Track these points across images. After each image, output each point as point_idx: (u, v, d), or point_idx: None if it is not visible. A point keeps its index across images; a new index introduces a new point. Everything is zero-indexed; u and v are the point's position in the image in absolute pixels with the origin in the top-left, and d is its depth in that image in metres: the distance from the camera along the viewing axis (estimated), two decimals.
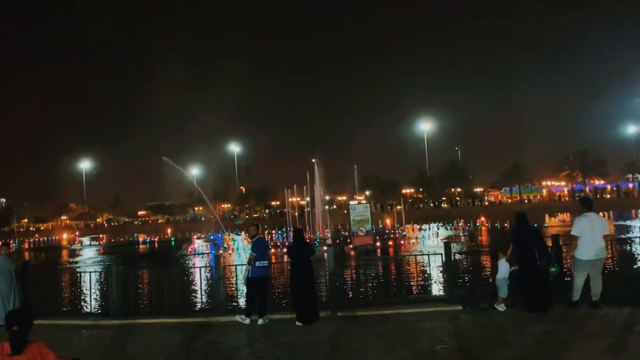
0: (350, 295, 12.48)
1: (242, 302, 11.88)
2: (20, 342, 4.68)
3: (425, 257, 12.81)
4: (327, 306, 10.51)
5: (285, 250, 11.54)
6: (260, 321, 10.04)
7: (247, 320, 10.14)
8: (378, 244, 37.82)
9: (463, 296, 10.46)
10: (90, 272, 12.76)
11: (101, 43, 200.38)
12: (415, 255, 20.31)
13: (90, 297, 13.38)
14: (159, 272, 12.01)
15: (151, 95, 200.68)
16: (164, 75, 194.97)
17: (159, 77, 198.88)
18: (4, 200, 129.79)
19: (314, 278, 10.10)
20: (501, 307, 9.78)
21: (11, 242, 79.80)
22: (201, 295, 14.07)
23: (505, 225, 56.20)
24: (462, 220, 62.38)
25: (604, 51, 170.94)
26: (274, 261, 11.83)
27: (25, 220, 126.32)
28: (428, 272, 14.87)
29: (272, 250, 11.18)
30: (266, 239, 10.97)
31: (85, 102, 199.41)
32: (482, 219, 60.98)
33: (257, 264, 10.30)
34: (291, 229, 60.86)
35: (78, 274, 21.26)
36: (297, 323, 9.73)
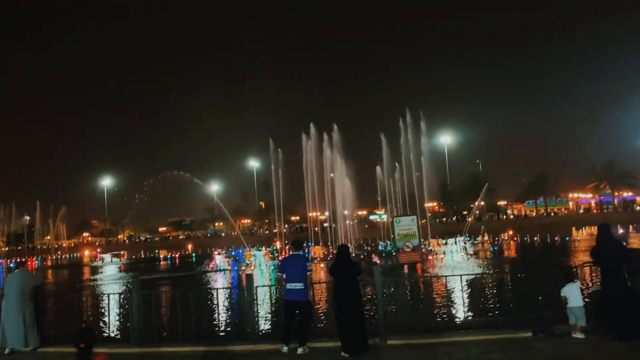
0: (400, 319, 11.11)
1: (278, 327, 10.67)
2: (85, 358, 5.44)
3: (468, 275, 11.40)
4: (376, 333, 9.23)
5: (328, 269, 10.97)
6: (299, 350, 8.86)
7: (285, 349, 9.01)
8: (377, 259, 36.39)
9: (533, 321, 9.07)
10: (108, 294, 11.67)
11: (124, 58, 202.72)
12: (463, 275, 18.63)
13: (109, 321, 12.32)
14: (183, 292, 10.84)
15: (173, 112, 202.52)
16: (187, 93, 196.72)
17: (182, 94, 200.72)
18: (27, 217, 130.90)
19: (361, 302, 8.87)
20: (580, 335, 8.43)
21: (34, 259, 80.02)
22: (231, 319, 12.84)
23: (535, 239, 54.26)
24: (485, 234, 60.55)
25: (628, 60, 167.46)
26: (318, 280, 10.54)
27: (49, 237, 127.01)
28: (477, 293, 13.44)
29: (312, 269, 9.46)
30: (305, 256, 9.77)
31: (105, 119, 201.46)
32: (510, 232, 59.01)
33: (288, 286, 9.18)
34: (310, 244, 59.88)
35: (97, 295, 20.23)
36: (343, 354, 8.53)
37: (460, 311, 10.84)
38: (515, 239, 54.52)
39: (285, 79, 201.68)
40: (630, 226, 70.14)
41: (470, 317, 10.41)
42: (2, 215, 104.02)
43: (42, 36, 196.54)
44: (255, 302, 9.87)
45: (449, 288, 13.99)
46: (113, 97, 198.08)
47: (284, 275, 9.35)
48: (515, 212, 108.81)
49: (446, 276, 12.80)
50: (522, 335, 8.68)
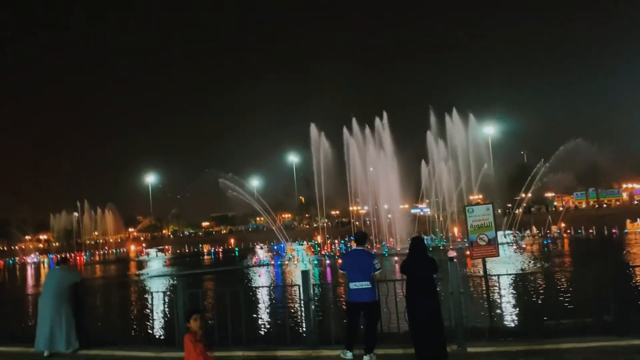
0: (478, 322, 9.75)
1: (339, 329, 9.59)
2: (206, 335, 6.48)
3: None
4: (453, 338, 8.05)
5: (400, 266, 8.71)
6: (366, 358, 7.80)
7: (349, 355, 7.96)
8: (454, 253, 34.87)
9: None
10: (152, 292, 10.86)
11: (171, 52, 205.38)
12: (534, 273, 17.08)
13: (154, 321, 11.54)
14: (231, 290, 9.85)
15: (220, 108, 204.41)
16: (233, 89, 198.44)
17: (229, 90, 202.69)
18: (76, 214, 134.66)
19: (438, 303, 7.72)
20: None
21: (82, 254, 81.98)
22: (284, 319, 11.78)
23: (591, 231, 51.71)
24: (533, 227, 58.23)
25: None
26: (384, 279, 9.37)
27: (96, 232, 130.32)
28: (552, 291, 11.95)
29: (380, 266, 8.54)
30: (370, 252, 8.76)
31: (151, 116, 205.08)
32: (562, 225, 56.40)
33: (352, 285, 8.14)
34: (352, 239, 58.05)
35: (142, 292, 19.68)
36: None
37: (540, 312, 9.46)
38: (568, 231, 51.98)
39: (331, 71, 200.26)
40: None
41: (554, 320, 9.03)
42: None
43: (85, 33, 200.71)
44: (313, 301, 8.77)
45: (519, 285, 12.60)
46: (159, 93, 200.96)
47: (347, 274, 8.29)
48: (564, 204, 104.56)
49: (516, 274, 11.50)
50: (628, 342, 7.35)
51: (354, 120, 52.05)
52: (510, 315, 9.60)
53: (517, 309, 9.44)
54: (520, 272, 20.17)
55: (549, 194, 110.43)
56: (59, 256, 10.21)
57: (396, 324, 8.52)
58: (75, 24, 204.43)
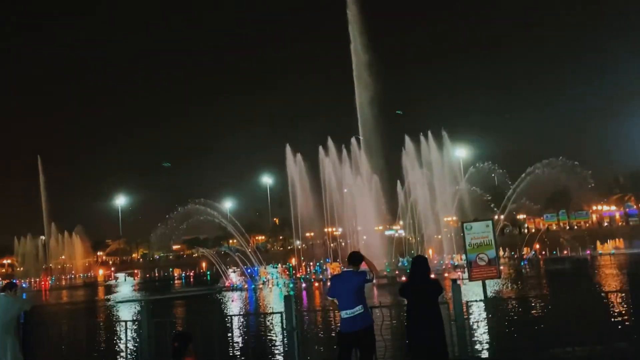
0: (484, 349, 8.87)
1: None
2: (179, 356, 6.18)
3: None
4: None
5: (399, 288, 7.93)
6: None
7: None
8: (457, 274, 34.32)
9: None
10: (117, 321, 9.90)
11: (139, 79, 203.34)
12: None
13: (116, 356, 10.54)
14: (204, 319, 9.01)
15: (187, 130, 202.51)
16: (203, 110, 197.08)
17: (199, 111, 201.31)
18: (42, 237, 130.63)
19: (443, 334, 7.00)
20: None
21: (48, 279, 79.03)
22: (264, 353, 10.71)
23: (565, 252, 52.12)
24: (506, 249, 58.40)
25: None
26: (378, 304, 8.67)
27: (63, 257, 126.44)
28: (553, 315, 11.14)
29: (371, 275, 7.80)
30: (361, 272, 7.71)
31: (119, 139, 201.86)
32: (537, 246, 56.72)
33: (343, 314, 7.29)
34: (328, 261, 57.67)
35: (106, 320, 18.50)
36: None
37: (543, 339, 8.80)
38: (543, 253, 52.27)
39: (300, 95, 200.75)
40: None
41: (560, 348, 8.19)
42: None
43: (48, 46, 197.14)
44: (298, 331, 7.95)
45: (515, 310, 11.89)
46: (129, 114, 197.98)
47: (336, 300, 7.44)
48: (533, 226, 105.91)
49: (529, 297, 10.78)
50: None
51: (329, 140, 51.81)
52: (511, 343, 8.78)
53: (517, 336, 8.71)
54: (519, 296, 19.33)
55: (521, 216, 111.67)
56: (4, 281, 9.12)
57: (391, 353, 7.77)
58: (22, 41, 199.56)
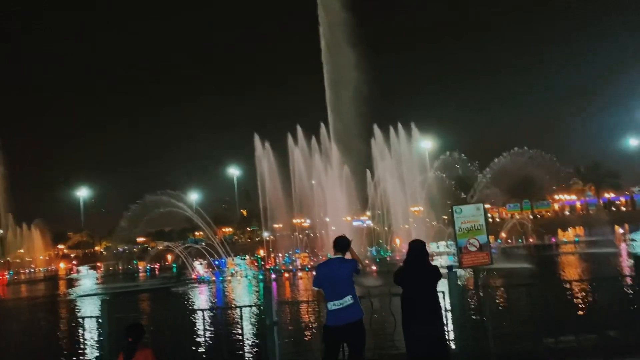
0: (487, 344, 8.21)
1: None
2: (132, 351, 6.07)
3: None
4: None
5: (394, 274, 7.08)
6: None
7: None
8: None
9: None
10: (77, 318, 9.15)
11: (106, 69, 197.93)
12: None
13: (76, 352, 9.79)
14: (171, 312, 8.36)
15: (151, 120, 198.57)
16: (168, 104, 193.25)
17: (159, 102, 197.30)
18: (0, 230, 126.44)
19: (443, 326, 6.49)
20: None
21: (5, 273, 76.13)
22: (240, 351, 9.82)
23: (531, 240, 53.05)
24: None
25: (610, 61, 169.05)
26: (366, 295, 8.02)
27: (22, 250, 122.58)
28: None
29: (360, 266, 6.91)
30: (349, 260, 7.00)
31: (81, 130, 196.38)
32: (503, 235, 57.50)
33: (329, 306, 6.58)
34: (297, 251, 57.17)
35: (64, 316, 17.53)
36: None
37: (534, 329, 8.36)
38: (509, 241, 53.03)
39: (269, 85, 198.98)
40: (616, 226, 69.65)
41: (553, 338, 7.69)
42: None
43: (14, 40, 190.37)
44: (277, 325, 7.27)
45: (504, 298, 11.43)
46: (92, 108, 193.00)
47: (323, 291, 6.71)
48: (497, 215, 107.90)
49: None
50: None
51: (298, 128, 51.19)
52: (504, 335, 8.33)
53: (509, 325, 8.25)
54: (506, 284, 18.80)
55: (487, 206, 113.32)
56: None
57: (387, 351, 7.26)
58: None
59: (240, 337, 9.02)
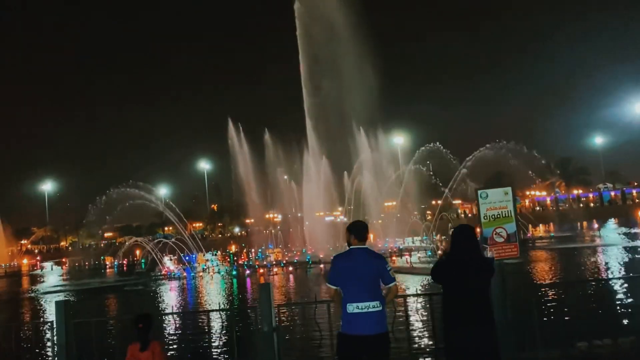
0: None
1: None
2: (145, 338, 5.89)
3: None
4: None
5: (434, 269, 5.68)
6: None
7: None
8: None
9: None
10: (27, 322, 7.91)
11: (77, 67, 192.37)
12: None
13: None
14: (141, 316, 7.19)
15: (118, 112, 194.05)
16: (131, 92, 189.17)
17: (126, 95, 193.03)
18: None
19: (494, 327, 5.26)
20: None
21: None
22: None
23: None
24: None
25: (578, 57, 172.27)
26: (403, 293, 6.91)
27: None
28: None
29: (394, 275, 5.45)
30: (376, 253, 5.80)
31: (46, 122, 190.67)
32: (477, 230, 57.54)
33: (349, 307, 5.33)
34: (270, 246, 56.30)
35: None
36: None
37: (561, 331, 7.48)
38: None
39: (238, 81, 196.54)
40: (585, 223, 70.77)
41: (585, 342, 6.88)
42: None
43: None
44: (277, 331, 6.06)
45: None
46: (57, 98, 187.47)
47: (341, 289, 5.44)
48: (466, 211, 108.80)
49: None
50: None
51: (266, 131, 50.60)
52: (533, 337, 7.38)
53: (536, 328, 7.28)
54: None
55: (456, 201, 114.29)
56: None
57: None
58: None
59: (227, 346, 7.79)
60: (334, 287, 5.52)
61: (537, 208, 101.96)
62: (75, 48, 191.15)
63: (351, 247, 5.59)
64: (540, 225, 78.37)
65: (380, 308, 5.35)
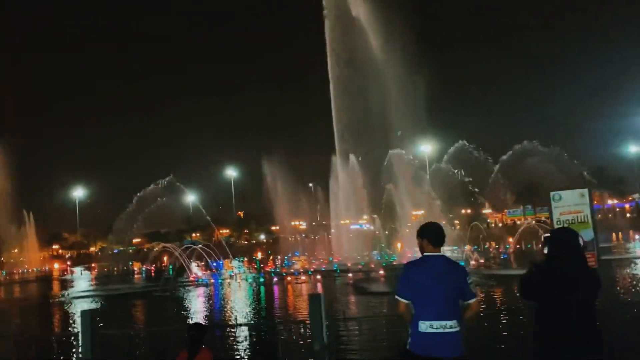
0: None
1: None
2: (195, 346, 5.74)
3: None
4: None
5: (522, 280, 4.73)
6: None
7: None
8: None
9: None
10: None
11: (109, 69, 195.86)
12: None
13: None
14: (178, 324, 6.65)
15: (146, 121, 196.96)
16: (159, 102, 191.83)
17: (154, 104, 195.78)
18: None
19: (601, 349, 4.45)
20: None
21: None
22: None
23: (539, 246, 51.75)
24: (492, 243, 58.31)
25: (612, 67, 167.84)
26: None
27: (16, 250, 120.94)
28: None
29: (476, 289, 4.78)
30: (454, 262, 4.98)
31: (75, 129, 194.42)
32: (510, 239, 56.14)
33: (421, 325, 4.61)
34: (297, 254, 56.08)
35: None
36: None
37: None
38: (518, 246, 51.71)
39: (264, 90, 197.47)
40: (620, 234, 68.45)
41: None
42: None
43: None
44: (327, 349, 5.15)
45: None
46: (93, 103, 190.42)
47: (412, 304, 4.71)
48: (497, 220, 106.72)
49: None
50: None
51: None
52: None
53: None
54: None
55: (486, 211, 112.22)
56: None
57: None
58: None
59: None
60: (404, 301, 4.77)
61: None
62: (106, 51, 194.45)
63: (426, 254, 4.85)
64: None
65: (458, 328, 4.60)
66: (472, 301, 4.77)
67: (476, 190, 64.72)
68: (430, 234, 4.87)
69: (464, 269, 4.89)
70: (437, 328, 4.55)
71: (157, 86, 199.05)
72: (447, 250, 38.25)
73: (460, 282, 4.73)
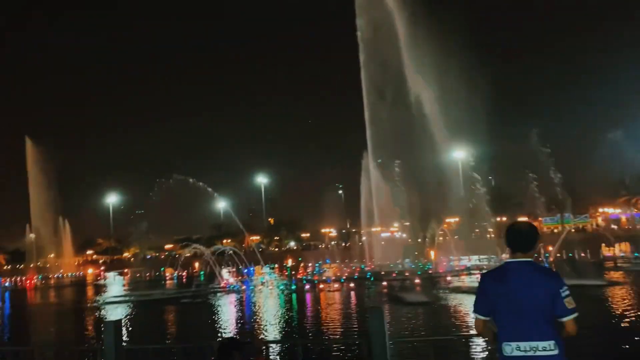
0: None
1: None
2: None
3: None
4: None
5: None
6: None
7: None
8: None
9: None
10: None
11: (140, 79, 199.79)
12: None
13: None
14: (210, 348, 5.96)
15: (179, 127, 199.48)
16: (197, 109, 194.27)
17: (186, 109, 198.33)
18: (33, 235, 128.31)
19: None
20: None
21: (34, 277, 75.78)
22: None
23: (583, 255, 49.71)
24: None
25: None
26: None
27: (52, 255, 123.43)
28: None
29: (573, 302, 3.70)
30: (548, 270, 4.09)
31: (110, 135, 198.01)
32: (549, 248, 54.09)
33: (506, 348, 3.85)
34: (328, 261, 55.21)
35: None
36: None
37: None
38: (558, 255, 49.74)
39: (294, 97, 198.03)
40: None
41: None
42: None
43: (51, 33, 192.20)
44: None
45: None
46: (118, 110, 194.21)
47: (495, 322, 3.99)
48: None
49: None
50: None
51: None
52: None
53: None
54: None
55: (523, 218, 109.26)
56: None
57: None
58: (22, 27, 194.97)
59: None
60: (482, 318, 4.03)
61: (613, 226, 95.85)
62: (141, 60, 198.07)
63: (508, 260, 4.02)
64: (615, 245, 73.43)
65: (556, 351, 3.75)
66: (565, 319, 3.86)
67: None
68: (515, 236, 4.05)
69: (558, 278, 3.98)
70: (525, 350, 3.75)
71: (196, 96, 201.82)
72: (483, 259, 36.91)
73: (553, 294, 3.85)
